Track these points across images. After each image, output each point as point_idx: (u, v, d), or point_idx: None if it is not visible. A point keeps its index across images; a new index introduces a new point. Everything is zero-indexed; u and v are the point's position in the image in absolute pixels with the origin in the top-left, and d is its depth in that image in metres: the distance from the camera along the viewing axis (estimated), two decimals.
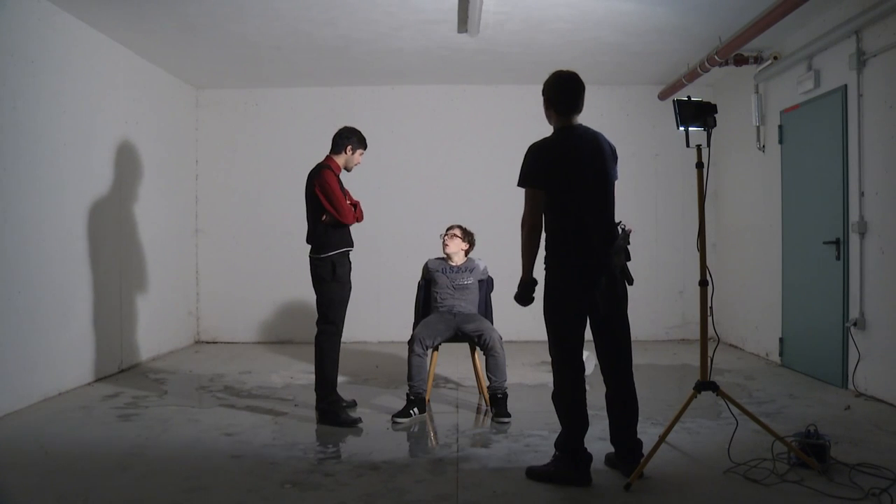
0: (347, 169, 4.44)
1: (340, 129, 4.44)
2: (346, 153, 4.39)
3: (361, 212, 4.44)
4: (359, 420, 4.16)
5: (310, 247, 4.33)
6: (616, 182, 3.33)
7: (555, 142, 3.24)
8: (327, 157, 4.40)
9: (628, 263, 3.27)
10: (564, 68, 3.34)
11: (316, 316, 4.33)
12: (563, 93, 3.25)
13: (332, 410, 4.20)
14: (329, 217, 4.22)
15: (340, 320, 4.34)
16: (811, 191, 5.40)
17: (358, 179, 7.28)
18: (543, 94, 3.32)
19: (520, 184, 3.24)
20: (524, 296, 3.25)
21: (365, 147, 4.48)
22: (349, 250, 4.35)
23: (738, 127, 6.60)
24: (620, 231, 3.24)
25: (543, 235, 3.28)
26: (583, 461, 3.19)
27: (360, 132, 4.45)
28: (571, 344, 3.23)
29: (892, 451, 3.52)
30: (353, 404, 4.57)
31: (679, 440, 3.76)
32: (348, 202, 4.33)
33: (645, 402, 3.87)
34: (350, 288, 4.39)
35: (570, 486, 3.14)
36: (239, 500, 3.03)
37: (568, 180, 3.16)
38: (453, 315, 4.61)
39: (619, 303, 3.25)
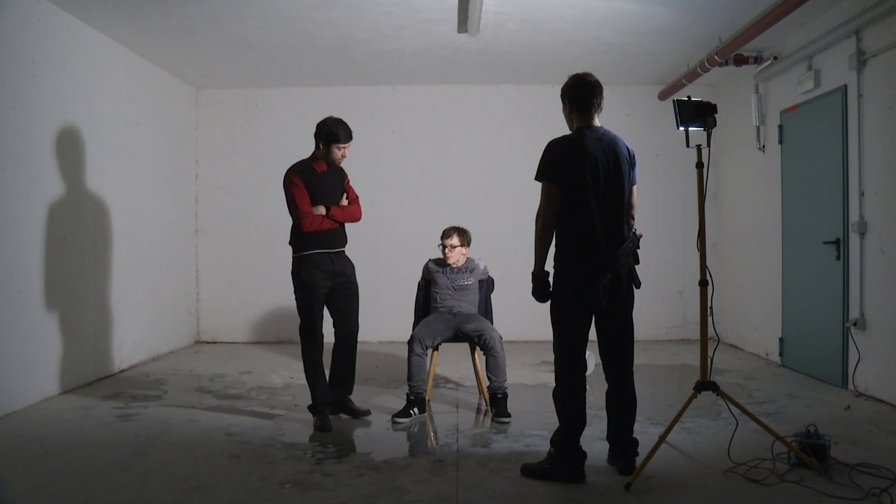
0: (333, 163, 4.21)
1: (317, 123, 4.20)
2: (319, 148, 4.18)
3: (350, 212, 4.24)
4: (325, 428, 4.01)
5: None
6: (636, 186, 3.37)
7: (572, 140, 3.26)
8: (312, 152, 4.25)
9: (636, 267, 3.29)
10: (575, 72, 3.38)
11: None
12: (581, 93, 3.28)
13: (315, 409, 4.14)
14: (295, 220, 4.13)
15: (309, 323, 4.14)
16: (811, 191, 5.40)
17: (358, 179, 7.29)
18: (563, 97, 3.36)
19: (536, 177, 3.27)
20: (537, 289, 3.28)
21: (338, 141, 4.12)
22: (315, 253, 4.12)
23: (738, 127, 6.60)
24: (631, 234, 3.27)
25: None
26: (577, 459, 3.22)
27: (333, 125, 4.12)
28: (575, 342, 3.26)
29: (892, 451, 3.52)
30: (367, 413, 4.36)
31: (679, 440, 3.76)
32: (344, 202, 4.22)
33: (645, 402, 3.88)
34: (336, 287, 4.20)
35: (566, 484, 3.16)
36: (239, 500, 3.03)
37: (580, 179, 3.17)
38: (453, 315, 4.61)
39: (623, 303, 3.27)
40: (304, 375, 4.25)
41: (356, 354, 4.39)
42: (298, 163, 4.22)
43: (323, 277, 4.17)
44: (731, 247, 7.04)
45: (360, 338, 7.23)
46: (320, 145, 4.18)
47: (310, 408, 4.20)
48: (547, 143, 3.29)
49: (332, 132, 4.13)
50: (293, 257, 4.20)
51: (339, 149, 4.17)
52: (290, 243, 4.23)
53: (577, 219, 3.19)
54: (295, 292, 4.21)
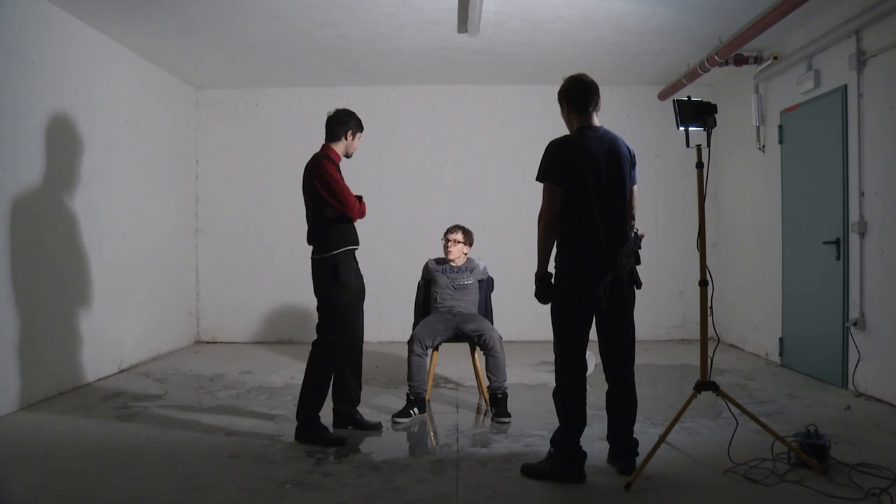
0: (347, 156, 4.02)
1: (336, 114, 3.98)
2: (346, 139, 3.95)
3: (364, 207, 3.98)
4: (345, 439, 3.81)
5: (311, 248, 3.93)
6: (636, 186, 3.38)
7: (573, 141, 3.26)
8: (324, 146, 3.97)
9: (637, 267, 3.29)
10: (574, 72, 3.39)
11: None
12: (578, 93, 3.29)
13: (317, 429, 3.82)
14: (332, 210, 3.80)
15: (346, 330, 3.87)
16: (811, 191, 5.40)
17: (358, 179, 7.27)
18: (560, 100, 3.36)
19: (538, 178, 3.27)
20: (540, 290, 3.27)
21: (363, 129, 4.06)
22: (354, 249, 3.92)
23: (738, 127, 6.60)
24: (633, 234, 3.27)
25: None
26: (577, 459, 3.22)
27: (356, 114, 4.01)
28: (575, 342, 3.26)
29: (892, 451, 3.53)
30: (378, 426, 4.08)
31: (679, 440, 3.76)
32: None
33: (645, 402, 3.88)
34: (360, 291, 3.99)
35: (566, 484, 3.16)
36: (239, 500, 3.03)
37: (581, 180, 3.17)
38: (453, 315, 4.61)
39: (624, 304, 3.27)
40: (303, 375, 3.96)
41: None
42: (323, 154, 3.90)
43: (357, 277, 3.94)
44: (731, 247, 7.04)
45: None
46: (347, 135, 3.96)
47: (308, 422, 3.82)
48: (547, 144, 3.29)
49: (360, 122, 4.02)
50: (324, 257, 3.80)
51: (359, 138, 4.06)
52: (316, 242, 3.86)
53: (579, 219, 3.19)
54: (327, 293, 3.82)
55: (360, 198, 3.91)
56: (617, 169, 3.23)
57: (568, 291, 3.24)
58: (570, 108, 3.33)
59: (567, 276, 3.24)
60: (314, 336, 3.94)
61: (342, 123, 3.96)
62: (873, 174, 4.66)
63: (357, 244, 3.97)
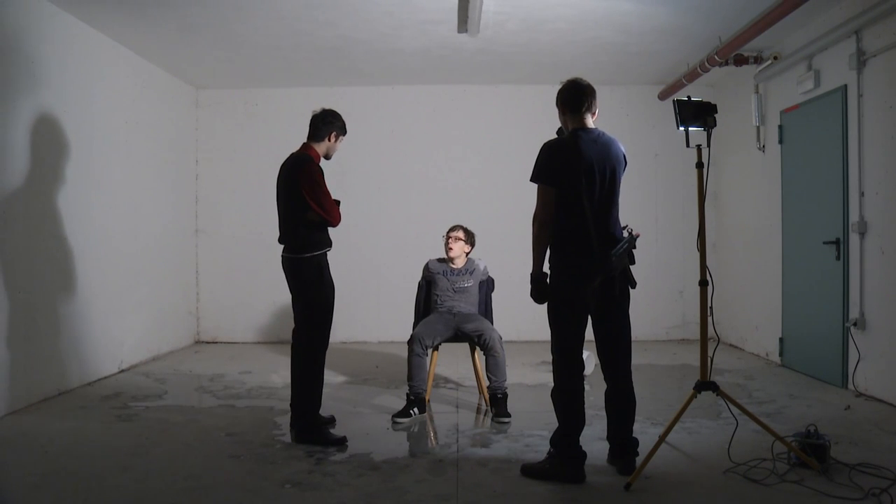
0: (327, 157, 4.01)
1: (322, 114, 3.95)
2: (328, 141, 3.94)
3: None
4: (345, 439, 3.81)
5: (282, 246, 3.94)
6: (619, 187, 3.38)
7: (568, 142, 3.27)
8: (306, 145, 3.95)
9: (634, 267, 3.29)
10: (574, 73, 3.42)
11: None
12: (572, 95, 3.31)
13: (318, 430, 3.86)
14: (315, 215, 3.80)
15: (329, 326, 3.97)
16: (811, 191, 5.40)
17: (357, 179, 7.31)
18: (557, 103, 3.38)
19: (532, 179, 3.28)
20: (535, 290, 3.28)
21: (346, 133, 4.06)
22: (327, 250, 3.94)
23: (738, 127, 6.60)
24: (627, 235, 3.27)
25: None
26: (577, 459, 3.22)
27: (341, 116, 4.01)
28: (571, 342, 3.27)
29: (892, 451, 3.53)
30: (332, 420, 4.18)
31: (679, 440, 3.76)
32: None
33: (645, 402, 3.88)
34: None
35: (566, 484, 3.16)
36: (239, 500, 3.03)
37: (575, 181, 3.18)
38: (453, 315, 4.61)
39: (617, 304, 3.28)
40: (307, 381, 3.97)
41: None
42: (308, 157, 3.89)
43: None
44: (731, 247, 7.04)
45: (360, 337, 7.34)
46: (331, 137, 3.95)
47: (309, 422, 3.85)
48: (542, 145, 3.30)
49: (345, 124, 4.02)
50: (307, 257, 3.84)
51: (341, 141, 4.06)
52: (296, 242, 3.86)
53: (572, 220, 3.20)
54: (312, 293, 3.90)
55: (337, 202, 3.91)
56: (611, 172, 3.25)
57: (562, 291, 3.25)
58: (564, 110, 3.35)
59: (561, 276, 3.25)
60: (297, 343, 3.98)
61: (327, 124, 3.94)
62: (873, 174, 4.66)
63: (331, 245, 3.99)
